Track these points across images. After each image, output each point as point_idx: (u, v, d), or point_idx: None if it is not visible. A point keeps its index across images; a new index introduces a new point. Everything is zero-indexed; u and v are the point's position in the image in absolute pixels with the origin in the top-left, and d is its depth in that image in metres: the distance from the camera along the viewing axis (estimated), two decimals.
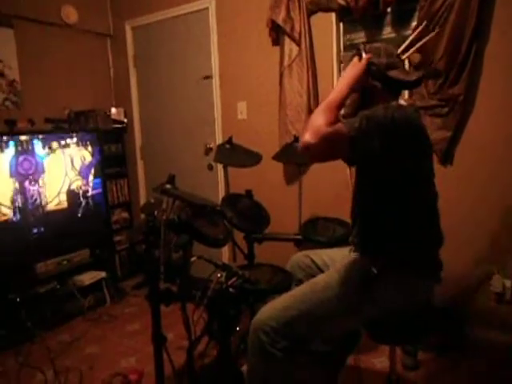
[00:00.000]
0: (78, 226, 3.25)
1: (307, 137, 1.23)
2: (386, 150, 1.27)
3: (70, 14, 3.50)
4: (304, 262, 1.81)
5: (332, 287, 1.44)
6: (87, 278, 3.22)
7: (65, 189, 3.16)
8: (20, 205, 2.86)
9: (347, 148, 1.25)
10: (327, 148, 1.26)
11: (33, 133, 2.98)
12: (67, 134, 3.20)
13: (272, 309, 1.46)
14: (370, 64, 1.43)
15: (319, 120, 1.26)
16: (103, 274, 3.31)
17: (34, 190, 2.94)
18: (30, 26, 3.26)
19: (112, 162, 3.76)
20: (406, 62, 1.74)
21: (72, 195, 3.22)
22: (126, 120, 3.89)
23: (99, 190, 3.44)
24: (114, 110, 3.80)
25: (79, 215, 3.26)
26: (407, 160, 1.34)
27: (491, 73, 2.33)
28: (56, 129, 3.24)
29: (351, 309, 1.45)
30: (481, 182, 2.43)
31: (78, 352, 2.63)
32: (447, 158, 2.46)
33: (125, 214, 3.93)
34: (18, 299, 2.74)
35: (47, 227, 3.03)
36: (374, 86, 1.46)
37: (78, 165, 3.25)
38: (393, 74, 1.45)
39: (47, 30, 3.40)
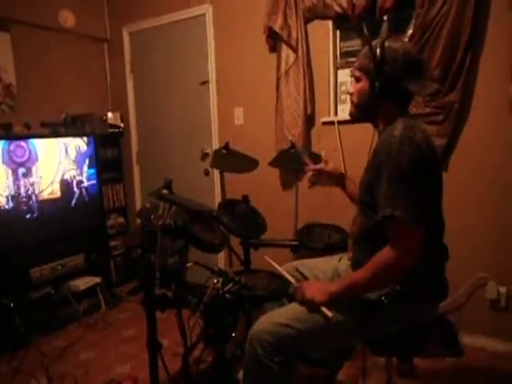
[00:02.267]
0: (72, 215, 3.22)
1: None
2: None
3: (68, 19, 3.50)
4: (293, 276, 1.74)
5: (335, 312, 1.38)
6: (82, 283, 3.20)
7: (58, 178, 3.15)
8: (13, 193, 2.86)
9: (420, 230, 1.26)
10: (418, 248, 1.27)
11: (29, 137, 2.97)
12: (63, 138, 3.19)
13: (270, 323, 1.40)
14: (379, 73, 1.35)
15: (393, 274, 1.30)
16: (98, 280, 3.29)
17: (26, 180, 2.94)
18: (26, 30, 3.26)
19: (108, 167, 3.75)
20: None
21: (66, 184, 3.20)
22: (122, 124, 3.89)
23: (94, 181, 3.41)
24: (110, 114, 3.80)
25: (73, 205, 3.23)
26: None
27: (486, 81, 2.36)
28: (52, 133, 3.23)
29: (353, 333, 1.42)
30: (476, 190, 2.45)
31: (73, 358, 2.61)
32: (442, 165, 2.48)
33: (120, 219, 3.91)
34: (11, 304, 2.72)
35: (41, 216, 3.02)
36: (380, 103, 1.41)
37: (72, 154, 3.23)
38: (406, 84, 1.35)
39: (44, 34, 3.40)
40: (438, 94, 2.38)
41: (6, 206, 2.82)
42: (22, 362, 2.52)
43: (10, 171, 2.83)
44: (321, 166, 1.83)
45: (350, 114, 1.54)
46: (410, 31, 2.52)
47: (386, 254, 1.28)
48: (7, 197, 2.82)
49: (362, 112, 1.49)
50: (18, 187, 2.89)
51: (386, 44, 1.36)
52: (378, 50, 1.36)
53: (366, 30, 1.43)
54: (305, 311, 1.41)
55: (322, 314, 1.38)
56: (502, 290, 2.42)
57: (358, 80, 1.46)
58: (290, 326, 1.38)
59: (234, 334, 1.84)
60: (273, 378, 1.38)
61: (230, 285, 1.70)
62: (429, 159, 1.30)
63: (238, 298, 1.73)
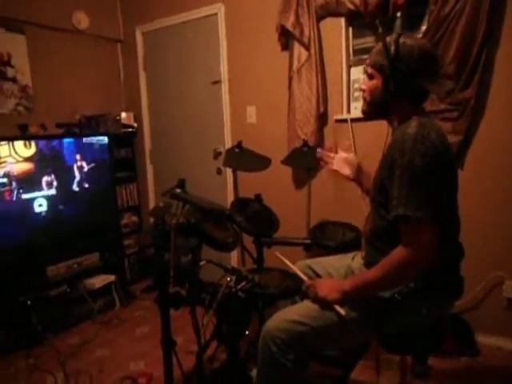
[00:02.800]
0: (87, 214, 3.26)
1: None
2: None
3: (81, 20, 3.54)
4: (306, 274, 1.74)
5: (348, 309, 1.38)
6: (97, 281, 3.23)
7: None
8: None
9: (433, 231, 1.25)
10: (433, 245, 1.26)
11: (45, 138, 3.02)
12: (78, 138, 3.24)
13: (283, 320, 1.40)
14: (393, 71, 1.33)
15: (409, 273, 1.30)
16: (113, 278, 3.33)
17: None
18: (41, 32, 3.31)
19: (122, 166, 3.79)
20: None
21: (81, 184, 3.25)
22: (135, 124, 3.92)
23: (108, 181, 3.45)
24: (123, 114, 3.83)
25: (87, 204, 3.26)
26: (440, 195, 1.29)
27: (502, 77, 2.32)
28: (67, 133, 3.27)
29: (366, 330, 1.42)
30: (491, 187, 2.41)
31: (88, 355, 2.64)
32: (458, 162, 2.44)
33: (134, 218, 3.95)
34: (28, 302, 2.76)
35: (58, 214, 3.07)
36: (394, 101, 1.39)
37: (88, 154, 3.27)
38: (421, 82, 1.33)
39: (58, 36, 3.45)
40: (453, 90, 2.35)
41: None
42: (38, 359, 2.57)
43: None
44: (328, 163, 1.78)
45: (363, 112, 1.52)
46: (423, 27, 2.49)
47: (398, 253, 1.28)
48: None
49: (375, 109, 1.47)
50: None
51: (401, 40, 1.34)
52: (392, 47, 1.34)
53: (380, 28, 1.42)
54: (318, 308, 1.41)
55: (334, 312, 1.38)
56: None
57: (370, 77, 1.44)
58: (302, 323, 1.38)
59: (247, 332, 1.85)
60: (286, 375, 1.38)
61: (243, 283, 1.70)
62: (443, 158, 1.29)
63: (251, 296, 1.74)
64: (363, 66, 2.76)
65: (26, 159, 2.85)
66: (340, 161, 1.76)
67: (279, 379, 1.39)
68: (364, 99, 1.49)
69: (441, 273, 1.36)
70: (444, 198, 1.30)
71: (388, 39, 1.36)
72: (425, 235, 1.24)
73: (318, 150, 1.81)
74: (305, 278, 1.62)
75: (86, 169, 3.23)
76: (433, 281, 1.35)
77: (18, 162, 2.80)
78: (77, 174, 3.18)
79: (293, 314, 1.43)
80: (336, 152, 1.79)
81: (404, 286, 1.34)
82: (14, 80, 3.14)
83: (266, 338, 1.40)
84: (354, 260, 1.70)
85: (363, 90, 1.49)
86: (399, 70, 1.32)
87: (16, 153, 2.79)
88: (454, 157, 1.37)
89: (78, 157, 3.18)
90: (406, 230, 1.27)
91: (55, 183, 3.04)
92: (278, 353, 1.36)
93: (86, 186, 3.24)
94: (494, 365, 2.29)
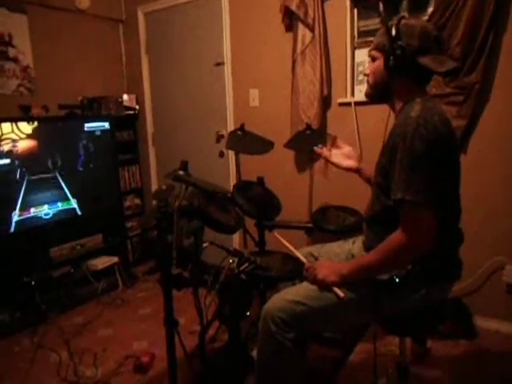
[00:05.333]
0: (90, 196, 3.28)
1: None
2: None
3: (83, 0, 3.49)
4: (307, 260, 1.75)
5: (347, 290, 1.40)
6: (100, 262, 3.27)
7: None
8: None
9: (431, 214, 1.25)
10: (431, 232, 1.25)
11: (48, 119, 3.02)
12: (80, 120, 3.23)
13: (283, 300, 1.42)
14: (394, 48, 1.31)
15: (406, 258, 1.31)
16: (116, 259, 3.36)
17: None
18: (43, 12, 3.27)
19: (124, 149, 3.79)
20: None
21: (84, 166, 3.28)
22: (137, 106, 3.91)
23: (111, 163, 3.46)
24: (125, 96, 3.81)
25: (91, 186, 3.28)
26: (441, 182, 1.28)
27: (508, 61, 2.29)
28: (69, 115, 3.26)
29: (365, 311, 1.43)
30: (494, 172, 2.40)
31: (92, 334, 2.68)
32: (461, 147, 2.43)
33: (137, 200, 3.97)
34: (32, 282, 2.80)
35: None
36: (395, 81, 1.39)
37: (90, 136, 3.27)
38: (422, 60, 1.32)
39: (60, 16, 3.41)
40: (458, 74, 2.32)
41: None
42: (42, 338, 2.61)
43: None
44: (325, 153, 1.79)
45: (366, 95, 1.53)
46: (430, 9, 2.45)
47: (396, 237, 1.28)
48: None
49: (378, 92, 1.47)
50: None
51: (403, 21, 1.35)
52: (394, 27, 1.34)
53: (381, 8, 1.41)
54: (317, 289, 1.43)
55: (333, 294, 1.39)
56: None
57: (373, 59, 1.45)
58: (302, 303, 1.40)
59: (248, 313, 1.88)
60: (286, 353, 1.40)
61: (245, 265, 1.72)
62: (445, 142, 1.28)
63: (253, 277, 1.75)
64: (368, 49, 2.73)
65: (29, 137, 2.86)
66: (339, 155, 1.78)
67: (278, 358, 1.42)
68: (367, 82, 1.49)
69: (439, 256, 1.36)
70: (445, 183, 1.30)
71: (390, 22, 1.37)
72: (423, 220, 1.24)
73: (316, 147, 1.82)
74: (304, 259, 1.64)
75: (89, 150, 3.23)
76: (431, 264, 1.36)
77: (21, 139, 2.81)
78: (79, 155, 3.18)
79: (293, 294, 1.45)
80: (335, 146, 1.80)
81: (402, 268, 1.36)
82: (15, 60, 3.12)
83: (266, 317, 1.42)
84: (354, 244, 1.71)
85: (367, 75, 1.49)
86: (400, 46, 1.32)
87: (20, 131, 2.80)
88: (457, 142, 1.37)
89: (80, 139, 3.18)
90: (404, 214, 1.27)
91: (59, 163, 3.05)
92: (277, 332, 1.39)
93: (89, 168, 3.25)
94: (491, 348, 2.32)
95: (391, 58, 1.33)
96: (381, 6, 1.41)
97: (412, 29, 1.33)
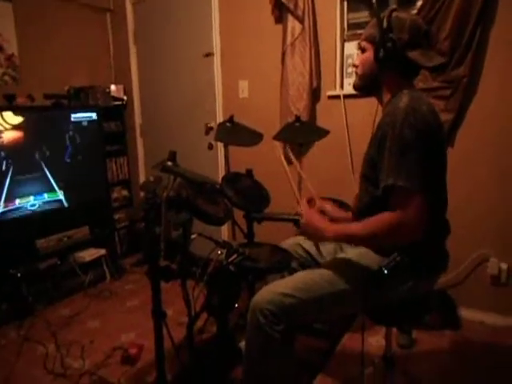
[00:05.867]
0: (76, 188, 3.24)
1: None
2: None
3: None
4: (296, 252, 1.78)
5: (336, 282, 1.41)
6: (87, 254, 3.24)
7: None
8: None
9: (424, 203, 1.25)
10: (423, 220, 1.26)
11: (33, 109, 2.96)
12: (67, 110, 3.18)
13: (272, 292, 1.42)
14: (385, 40, 1.33)
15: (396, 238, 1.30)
16: (103, 252, 3.34)
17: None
18: (29, 0, 3.20)
19: (112, 140, 3.74)
20: None
21: (71, 157, 3.24)
22: (125, 97, 3.86)
23: (98, 154, 3.42)
24: (113, 86, 3.76)
25: (77, 178, 3.23)
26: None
27: (496, 56, 2.31)
28: (56, 105, 3.21)
29: (354, 302, 1.45)
30: (480, 166, 2.43)
31: (79, 326, 2.67)
32: (449, 141, 2.46)
33: (124, 192, 3.94)
34: (19, 274, 2.77)
35: None
36: (384, 73, 1.40)
37: (77, 126, 3.23)
38: (412, 54, 1.34)
39: (46, 4, 3.34)
40: (445, 69, 2.34)
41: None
42: (29, 330, 2.59)
43: None
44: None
45: (354, 86, 1.54)
46: (419, 3, 2.45)
47: (389, 216, 1.28)
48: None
49: (366, 83, 1.48)
50: None
51: (394, 14, 1.37)
52: (385, 20, 1.35)
53: (374, 1, 1.41)
54: (306, 281, 1.44)
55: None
56: (503, 266, 2.43)
57: (363, 51, 1.46)
58: (291, 295, 1.40)
59: (236, 305, 1.88)
60: (274, 345, 1.40)
61: (234, 256, 1.72)
62: (434, 132, 1.29)
63: (242, 269, 1.76)
64: (358, 42, 2.73)
65: (14, 128, 2.81)
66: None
67: (267, 350, 1.42)
68: (356, 74, 1.50)
69: (426, 247, 1.37)
70: (433, 172, 1.31)
71: (382, 14, 1.37)
72: (413, 205, 1.25)
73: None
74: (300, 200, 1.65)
75: (76, 141, 3.19)
76: (419, 255, 1.37)
77: (6, 130, 2.76)
78: (66, 146, 3.14)
79: (281, 286, 1.45)
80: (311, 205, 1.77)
81: (391, 259, 1.36)
82: None
83: (254, 309, 1.42)
84: None
85: (356, 66, 1.49)
86: (390, 39, 1.33)
87: (4, 121, 2.75)
88: (444, 133, 1.39)
89: (67, 130, 3.14)
90: (396, 200, 1.28)
91: (45, 154, 3.00)
92: (266, 324, 1.39)
93: (76, 159, 3.21)
94: (476, 338, 2.37)
95: (381, 50, 1.35)
96: None
97: (402, 22, 1.35)
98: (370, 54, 1.41)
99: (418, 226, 1.25)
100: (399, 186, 1.25)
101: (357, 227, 1.37)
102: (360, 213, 1.51)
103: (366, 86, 1.49)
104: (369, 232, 1.32)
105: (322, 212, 1.77)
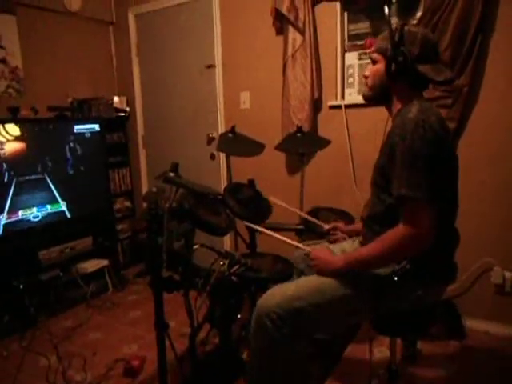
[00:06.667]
0: (79, 199, 3.25)
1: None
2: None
3: (73, 2, 3.47)
4: (303, 263, 1.78)
5: (344, 287, 1.41)
6: (90, 265, 3.24)
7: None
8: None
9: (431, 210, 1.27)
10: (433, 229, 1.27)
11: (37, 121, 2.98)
12: (70, 122, 3.20)
13: (280, 296, 1.41)
14: (396, 54, 1.36)
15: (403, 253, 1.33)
16: (106, 262, 3.33)
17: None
18: (32, 13, 3.24)
19: (114, 151, 3.76)
20: None
21: (74, 168, 3.25)
22: (128, 109, 3.88)
23: (101, 165, 3.44)
24: (116, 98, 3.79)
25: (80, 189, 3.25)
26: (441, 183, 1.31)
27: (496, 64, 2.32)
28: (59, 117, 3.24)
29: (361, 310, 1.44)
30: (483, 174, 2.43)
31: (81, 338, 2.66)
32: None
33: (127, 203, 3.94)
34: (21, 286, 2.76)
35: None
36: (395, 85, 1.43)
37: (80, 138, 3.23)
38: (422, 68, 1.37)
39: (50, 17, 3.38)
40: (452, 83, 2.34)
41: None
42: (31, 342, 2.57)
43: None
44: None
45: (364, 96, 1.56)
46: (419, 13, 2.47)
47: (399, 230, 1.29)
48: None
49: (376, 94, 1.50)
50: None
51: (406, 28, 1.40)
52: (397, 33, 1.38)
53: (386, 12, 1.44)
54: (313, 285, 1.44)
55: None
56: (508, 274, 2.42)
57: (374, 62, 1.48)
58: (301, 298, 1.39)
59: (239, 316, 1.87)
60: (278, 351, 1.39)
61: (236, 267, 1.72)
62: (443, 141, 1.31)
63: (244, 280, 1.75)
64: (358, 52, 2.75)
65: (18, 140, 2.82)
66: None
67: (273, 354, 1.40)
68: (366, 84, 1.53)
69: (436, 256, 1.38)
70: (444, 181, 1.32)
71: (394, 26, 1.41)
72: (424, 216, 1.26)
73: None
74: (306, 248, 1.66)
75: (79, 153, 3.21)
76: (427, 265, 1.37)
77: (8, 141, 2.77)
78: (69, 158, 3.16)
79: (288, 289, 1.44)
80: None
81: (401, 267, 1.36)
82: (3, 61, 3.08)
83: (260, 313, 1.40)
84: (349, 245, 1.73)
85: (366, 77, 1.52)
86: (401, 53, 1.35)
87: (8, 133, 2.77)
88: (453, 149, 1.41)
89: (70, 141, 3.16)
90: (405, 211, 1.29)
91: (48, 166, 3.02)
92: (272, 328, 1.37)
93: (79, 170, 3.22)
94: (481, 348, 2.34)
95: (392, 63, 1.37)
96: (386, 9, 1.44)
97: (414, 35, 1.38)
98: (380, 65, 1.44)
99: (429, 239, 1.27)
100: (409, 197, 1.26)
101: (366, 249, 1.38)
102: (371, 221, 1.52)
103: (376, 96, 1.51)
104: (382, 248, 1.33)
105: (335, 228, 1.88)
